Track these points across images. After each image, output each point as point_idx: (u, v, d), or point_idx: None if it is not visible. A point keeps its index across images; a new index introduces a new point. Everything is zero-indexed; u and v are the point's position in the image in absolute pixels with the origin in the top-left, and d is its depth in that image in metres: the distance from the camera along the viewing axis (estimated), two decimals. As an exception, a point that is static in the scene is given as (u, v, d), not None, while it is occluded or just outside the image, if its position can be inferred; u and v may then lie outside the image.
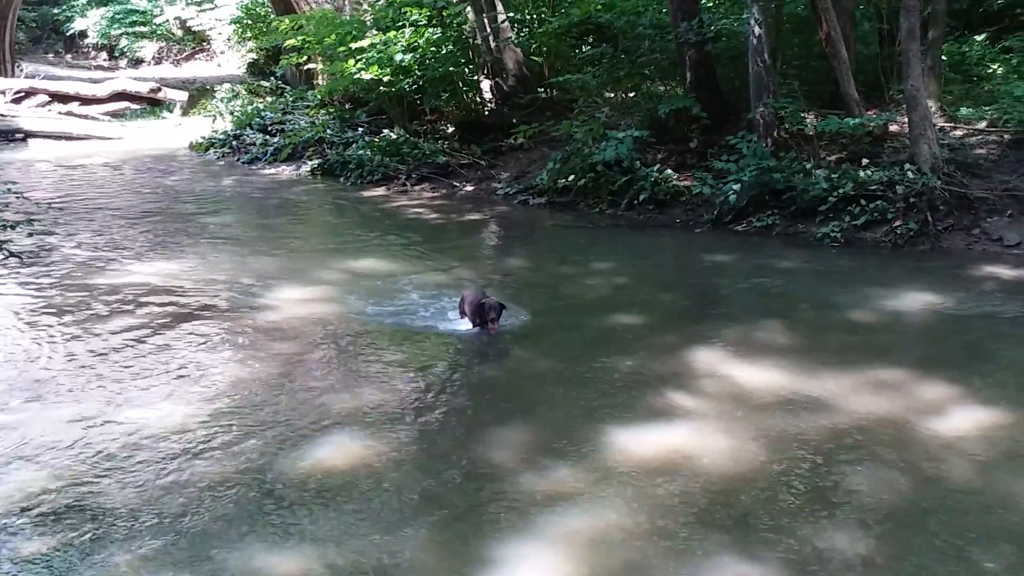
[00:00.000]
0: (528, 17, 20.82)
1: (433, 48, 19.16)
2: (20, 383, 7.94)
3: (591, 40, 20.16)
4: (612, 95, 18.36)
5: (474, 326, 8.74)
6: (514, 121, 18.26)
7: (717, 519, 5.62)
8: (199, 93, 30.95)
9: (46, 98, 29.58)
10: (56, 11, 46.97)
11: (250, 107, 25.23)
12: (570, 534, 5.48)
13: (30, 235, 9.81)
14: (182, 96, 31.27)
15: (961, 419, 6.92)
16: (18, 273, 11.22)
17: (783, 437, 6.64)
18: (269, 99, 26.56)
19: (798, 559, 5.17)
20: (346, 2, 26.53)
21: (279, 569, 5.17)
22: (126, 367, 8.31)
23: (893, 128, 14.07)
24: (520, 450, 6.58)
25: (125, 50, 44.21)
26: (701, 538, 5.42)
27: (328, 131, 21.15)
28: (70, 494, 6.00)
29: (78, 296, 10.52)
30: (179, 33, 42.41)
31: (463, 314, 9.02)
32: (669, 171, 14.83)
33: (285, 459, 6.43)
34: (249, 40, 31.62)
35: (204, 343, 8.93)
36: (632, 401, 7.41)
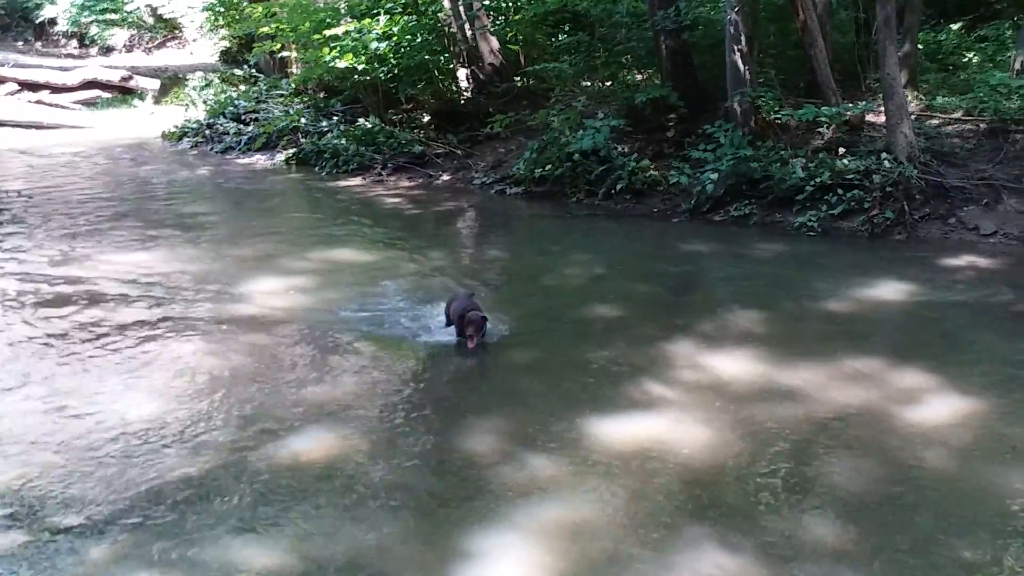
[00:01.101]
0: (504, 5, 20.71)
1: (408, 36, 19.04)
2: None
3: (567, 28, 20.13)
4: (589, 84, 18.32)
5: (459, 335, 8.24)
6: (490, 110, 18.19)
7: (695, 509, 5.61)
8: (171, 82, 30.65)
9: (16, 87, 29.23)
10: (26, -2, 46.48)
11: (223, 96, 25.01)
12: (549, 525, 5.46)
13: (-1, 224, 9.70)
14: (154, 85, 30.97)
15: (937, 408, 6.94)
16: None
17: (761, 427, 6.64)
18: (242, 87, 26.32)
19: (775, 548, 5.17)
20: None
21: (256, 563, 5.12)
22: (99, 359, 8.21)
23: (870, 117, 14.09)
24: (498, 441, 6.54)
25: (96, 38, 43.71)
26: (679, 528, 5.41)
27: (303, 120, 20.99)
28: (42, 488, 5.92)
29: (49, 287, 10.39)
30: (150, 21, 41.94)
31: (448, 322, 8.61)
32: (646, 160, 14.79)
33: (261, 452, 6.37)
34: (222, 28, 31.27)
35: (178, 335, 8.83)
36: (610, 392, 7.39)
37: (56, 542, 5.33)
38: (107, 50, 42.62)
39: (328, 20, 20.31)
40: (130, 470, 6.14)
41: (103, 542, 5.33)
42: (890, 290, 10.03)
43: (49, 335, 8.81)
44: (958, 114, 14.03)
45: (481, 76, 19.22)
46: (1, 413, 7.04)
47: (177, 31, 41.64)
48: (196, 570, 5.07)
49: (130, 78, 30.97)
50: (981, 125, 13.55)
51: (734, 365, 7.85)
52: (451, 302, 8.65)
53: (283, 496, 5.82)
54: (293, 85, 23.70)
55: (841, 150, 13.19)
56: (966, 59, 16.09)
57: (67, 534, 5.41)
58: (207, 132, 22.85)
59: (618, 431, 6.62)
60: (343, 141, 18.96)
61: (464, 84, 19.53)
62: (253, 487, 5.93)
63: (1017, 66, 14.18)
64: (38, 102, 28.59)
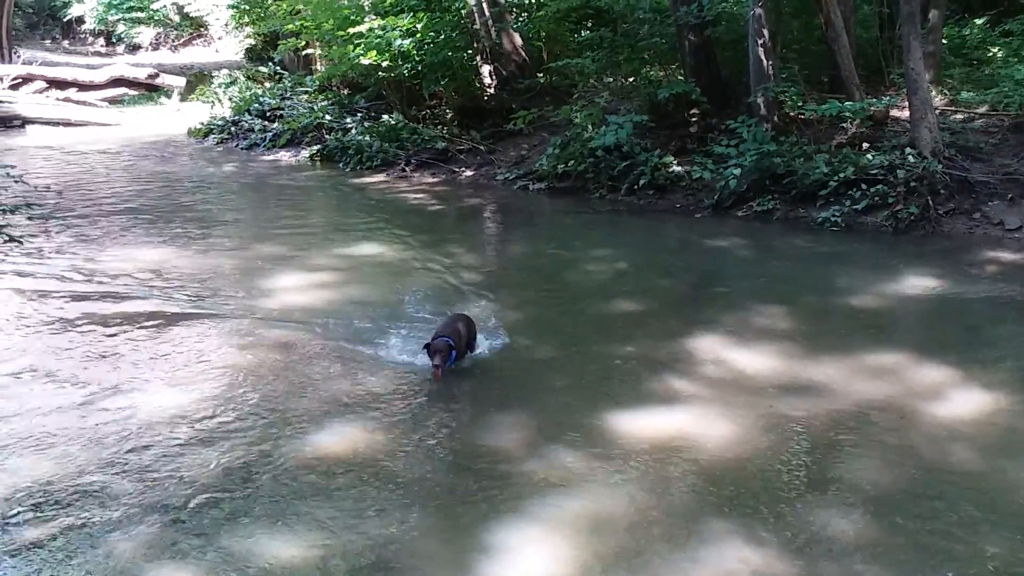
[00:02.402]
0: (527, 1, 20.75)
1: (432, 33, 19.11)
2: (20, 369, 7.94)
3: (590, 24, 20.13)
4: (611, 80, 18.33)
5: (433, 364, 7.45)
6: (513, 106, 18.21)
7: (718, 503, 5.63)
8: (197, 79, 30.82)
9: (44, 84, 29.50)
10: (53, -3, 46.81)
11: (248, 93, 25.15)
12: (571, 519, 5.49)
13: (29, 219, 9.81)
14: (180, 82, 31.18)
15: (961, 403, 6.93)
16: (17, 258, 11.21)
17: (784, 421, 6.65)
18: (267, 84, 26.48)
19: (799, 543, 5.18)
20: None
21: (280, 555, 5.17)
22: (126, 354, 8.30)
23: (894, 112, 14.04)
24: (520, 436, 6.57)
25: (122, 36, 44.08)
26: (703, 522, 5.42)
27: (327, 117, 21.10)
28: (71, 481, 5.99)
29: (77, 282, 10.51)
30: (176, 19, 42.24)
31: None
32: (669, 156, 14.80)
33: (285, 446, 6.43)
34: (247, 25, 31.46)
35: (204, 330, 8.92)
36: (633, 387, 7.42)
37: (83, 535, 5.40)
38: (133, 48, 42.96)
39: (352, 17, 20.39)
40: (155, 463, 6.22)
41: (130, 535, 5.39)
42: (914, 285, 10.01)
43: (75, 329, 8.92)
44: (983, 109, 13.96)
45: (504, 72, 19.25)
46: (29, 407, 7.14)
47: (203, 29, 41.92)
48: (222, 562, 5.14)
49: (156, 75, 31.20)
50: (1006, 120, 13.48)
51: (757, 360, 7.86)
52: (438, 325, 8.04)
53: (307, 489, 5.88)
54: (318, 82, 23.82)
55: (865, 145, 13.16)
56: (991, 54, 15.96)
57: (94, 527, 5.48)
58: (232, 129, 23.02)
59: (640, 426, 6.64)
60: (367, 138, 19.06)
61: (487, 80, 19.56)
62: (277, 481, 5.98)
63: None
64: (66, 99, 28.84)
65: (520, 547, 5.21)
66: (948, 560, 5.01)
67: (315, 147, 20.06)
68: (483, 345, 8.16)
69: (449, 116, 19.74)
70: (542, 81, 18.91)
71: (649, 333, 8.76)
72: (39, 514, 5.62)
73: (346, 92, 22.60)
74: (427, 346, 7.41)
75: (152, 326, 8.98)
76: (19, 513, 5.63)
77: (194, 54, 40.49)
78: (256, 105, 23.56)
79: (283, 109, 22.89)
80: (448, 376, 7.55)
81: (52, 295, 10.04)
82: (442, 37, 19.22)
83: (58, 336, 8.75)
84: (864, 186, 12.41)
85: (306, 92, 23.94)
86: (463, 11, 19.35)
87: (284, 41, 24.01)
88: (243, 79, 27.21)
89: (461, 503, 5.80)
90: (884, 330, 8.74)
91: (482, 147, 18.13)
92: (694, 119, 15.49)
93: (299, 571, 5.04)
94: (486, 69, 19.51)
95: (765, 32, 13.96)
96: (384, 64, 19.29)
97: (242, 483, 5.96)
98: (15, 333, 8.83)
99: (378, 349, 8.22)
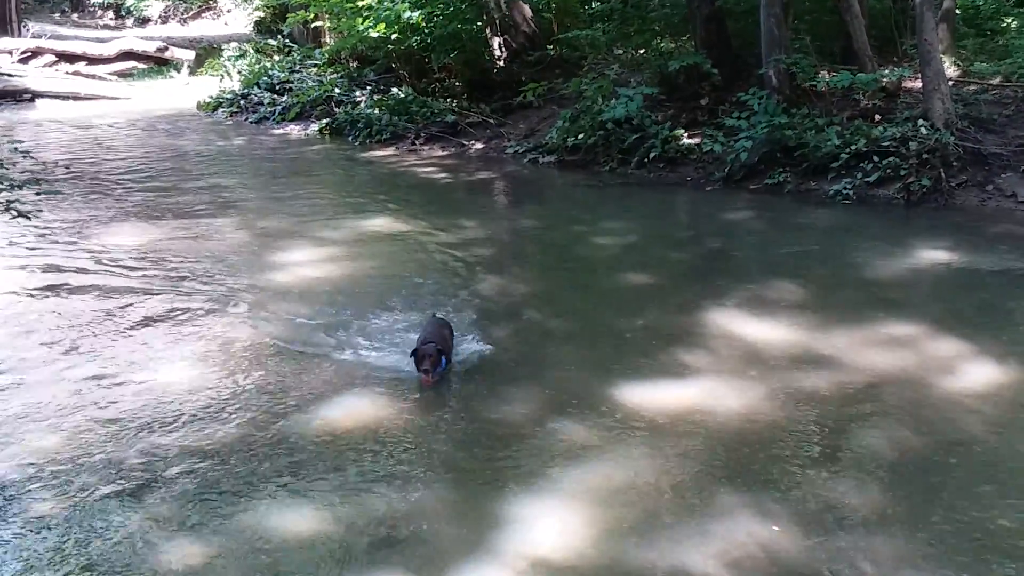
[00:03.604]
0: (537, -27, 20.62)
1: (441, 5, 19.00)
2: (31, 344, 7.97)
3: (600, -4, 20.00)
4: (622, 52, 18.24)
5: (417, 370, 7.02)
6: (523, 79, 18.13)
7: (730, 476, 5.63)
8: (206, 52, 30.71)
9: (53, 58, 29.44)
10: (62, -30, 46.65)
11: (257, 66, 25.05)
12: (583, 492, 5.50)
13: (38, 195, 9.82)
14: (189, 55, 31.08)
15: (973, 376, 6.91)
16: (26, 233, 11.24)
17: (795, 394, 6.64)
18: (276, 58, 26.36)
19: (810, 516, 5.18)
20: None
21: (292, 528, 5.20)
22: (137, 328, 8.33)
23: (906, 84, 13.94)
24: (531, 409, 6.59)
25: (131, 9, 43.89)
26: (714, 495, 5.43)
27: (336, 90, 21.03)
28: (82, 455, 6.03)
29: (87, 257, 10.53)
30: (185, -9, 42.11)
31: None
32: (680, 129, 14.74)
33: (294, 420, 6.45)
34: (256, -2, 31.38)
35: (214, 304, 8.93)
36: (644, 360, 7.41)
37: (95, 509, 5.43)
38: (143, 21, 42.80)
39: (361, -11, 20.28)
40: (167, 437, 6.25)
41: (142, 508, 5.43)
42: (926, 258, 9.97)
43: (84, 305, 8.94)
44: (996, 80, 13.86)
45: (514, 44, 19.15)
46: (41, 381, 7.18)
47: (212, 2, 41.76)
48: (234, 535, 5.17)
49: (165, 49, 31.10)
50: (1019, 91, 13.39)
51: (768, 333, 7.85)
52: (421, 330, 7.52)
53: (317, 464, 5.90)
54: (326, 55, 23.71)
55: (877, 117, 13.08)
56: (1004, 24, 15.85)
57: (107, 500, 5.52)
58: (242, 102, 22.96)
59: (652, 399, 6.64)
60: (376, 111, 19.00)
61: (497, 53, 19.46)
62: (288, 455, 6.01)
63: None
64: (75, 73, 28.78)
65: (531, 519, 5.23)
66: (960, 533, 5.01)
67: (324, 120, 20.01)
68: (463, 354, 7.61)
69: (459, 89, 19.66)
70: (552, 53, 18.82)
71: (660, 306, 8.76)
72: (51, 488, 5.65)
73: (355, 65, 22.51)
74: (414, 352, 6.97)
75: (161, 302, 8.99)
76: (31, 486, 5.66)
77: (203, 27, 40.32)
78: (265, 78, 23.49)
79: (292, 82, 22.82)
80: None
81: (61, 270, 10.07)
82: (451, 9, 19.12)
83: (67, 312, 8.76)
84: (876, 158, 12.33)
85: (315, 65, 23.86)
86: (472, -18, 19.24)
87: (293, 14, 23.91)
88: (252, 52, 27.09)
89: (472, 476, 5.82)
90: (896, 303, 8.71)
91: (492, 120, 18.07)
92: (705, 91, 15.41)
93: (309, 545, 5.06)
94: (496, 41, 19.41)
95: (777, 3, 13.85)
96: (393, 36, 19.21)
97: (252, 458, 5.98)
98: (24, 309, 8.85)
99: (388, 324, 8.22)
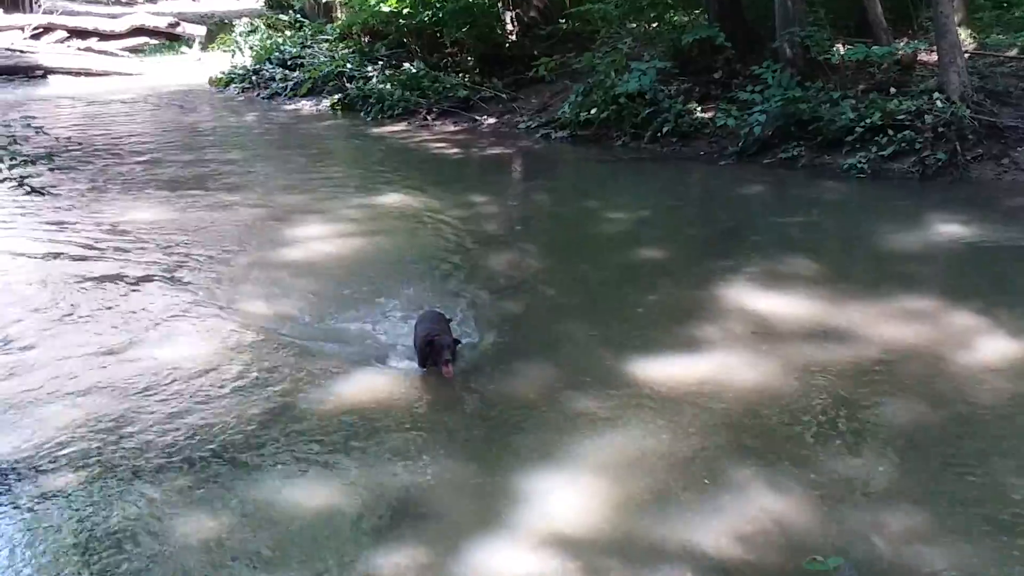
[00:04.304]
0: (549, -55, 20.47)
1: (452, -21, 18.92)
2: (45, 321, 7.99)
3: (613, -31, 19.84)
4: (634, 25, 18.08)
5: (421, 366, 6.72)
6: (535, 53, 18.04)
7: (742, 450, 5.62)
8: (217, 27, 30.70)
9: (65, 34, 29.46)
10: (73, -54, 46.54)
11: (269, 41, 24.99)
12: (596, 467, 5.50)
13: (51, 171, 9.84)
14: (200, 31, 31.06)
15: (988, 350, 6.86)
16: (39, 209, 11.26)
17: (809, 368, 6.62)
18: (288, 33, 26.29)
19: (823, 490, 5.17)
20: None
21: (306, 503, 5.21)
22: (150, 304, 8.35)
23: (922, 56, 13.82)
24: (544, 384, 6.58)
25: (143, -16, 43.85)
26: (726, 470, 5.42)
27: (348, 65, 20.95)
28: (98, 430, 6.05)
29: (99, 233, 10.56)
30: (197, -34, 41.99)
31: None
32: (693, 103, 14.67)
33: (309, 396, 6.46)
34: (267, -27, 31.27)
35: (228, 279, 8.95)
36: (657, 334, 7.40)
37: (110, 484, 5.45)
38: (154, -4, 42.67)
39: (372, -37, 20.20)
40: (183, 412, 6.26)
41: (156, 484, 5.44)
42: (941, 232, 9.92)
43: (98, 281, 8.96)
44: (1012, 52, 13.72)
45: (526, 19, 19.07)
46: (56, 357, 7.20)
47: (222, -23, 41.58)
48: (246, 510, 5.18)
49: (177, 24, 31.08)
50: (1036, 64, 13.26)
51: (782, 307, 7.82)
52: (418, 324, 7.09)
53: (330, 440, 5.90)
54: (338, 30, 23.65)
55: (892, 90, 12.96)
56: (1022, -4, 15.69)
57: (121, 476, 5.53)
58: (253, 78, 22.94)
59: (665, 373, 6.62)
60: (388, 86, 18.94)
61: (509, 27, 19.38)
62: (301, 430, 6.01)
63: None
64: (87, 49, 28.80)
65: (544, 494, 5.23)
66: (973, 507, 4.99)
67: (336, 96, 19.97)
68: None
69: (471, 64, 19.58)
70: (564, 27, 18.71)
71: (673, 281, 8.73)
72: (67, 462, 5.67)
73: (367, 40, 22.42)
74: (429, 343, 6.58)
75: (172, 277, 9.02)
76: (47, 461, 5.68)
77: (214, 2, 40.19)
78: (277, 54, 23.45)
79: (304, 58, 22.76)
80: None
81: (73, 246, 10.10)
82: (463, -17, 19.03)
83: (79, 288, 8.78)
84: (891, 132, 12.24)
85: (327, 40, 23.79)
86: (484, -44, 19.13)
87: (305, -11, 23.85)
88: (263, 27, 27.03)
89: (486, 450, 5.83)
90: (910, 277, 8.66)
91: (504, 95, 18.01)
92: (718, 65, 15.31)
93: (323, 519, 5.07)
94: (508, 15, 19.33)
95: (791, -25, 13.74)
96: (405, 11, 19.15)
97: (266, 433, 5.99)
98: (39, 285, 8.86)
99: (401, 301, 8.21)
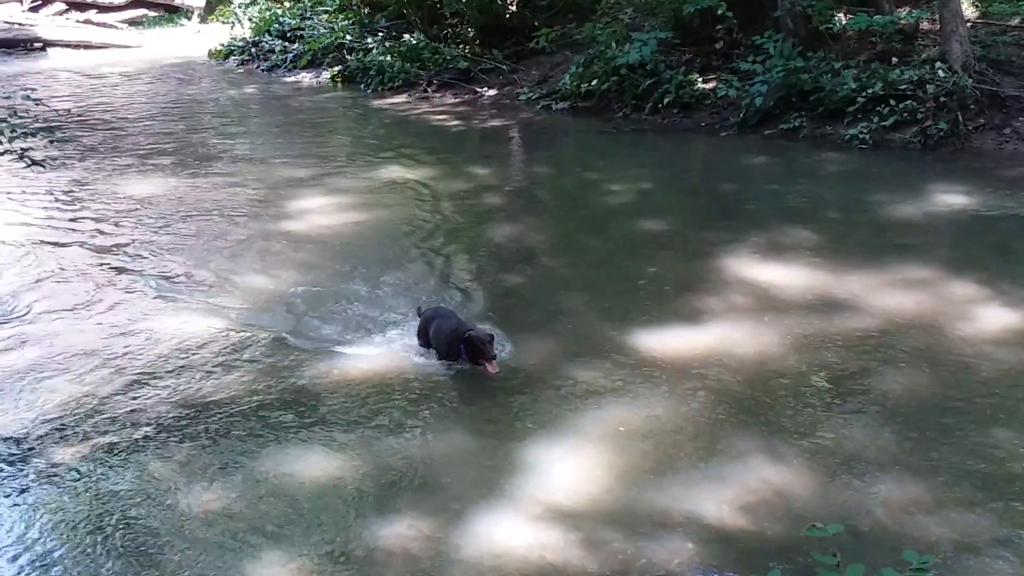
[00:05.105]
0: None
1: (453, -51, 18.78)
2: (48, 294, 8.01)
3: (614, -62, 19.70)
4: (636, -5, 17.97)
5: (442, 359, 6.48)
6: (536, 24, 17.93)
7: (743, 421, 5.65)
8: (217, -1, 30.53)
9: (64, 6, 29.28)
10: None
11: (268, 13, 24.84)
12: (596, 437, 5.53)
13: (51, 142, 9.80)
14: (200, 2, 30.85)
15: (988, 320, 6.89)
16: (39, 183, 11.26)
17: (810, 339, 6.64)
18: (287, 4, 26.10)
19: (823, 460, 5.20)
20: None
21: (308, 475, 5.25)
22: (152, 278, 8.36)
23: (924, 25, 13.75)
24: (546, 355, 6.60)
25: (141, -44, 43.58)
26: (727, 440, 5.45)
27: (348, 37, 20.84)
28: (101, 404, 6.09)
29: (100, 206, 10.56)
30: (195, -63, 41.71)
31: (422, 338, 6.71)
32: (694, 74, 14.60)
33: (310, 371, 6.48)
34: (266, -56, 31.07)
35: (229, 253, 8.96)
36: (658, 305, 7.42)
37: (115, 457, 5.50)
38: (152, -32, 42.39)
39: (372, -67, 20.05)
40: (183, 386, 6.30)
41: (160, 457, 5.49)
42: (942, 202, 9.91)
43: (97, 255, 8.98)
44: (1015, 21, 13.64)
45: (527, -11, 18.93)
46: (59, 331, 7.23)
47: (220, -52, 41.29)
48: (251, 481, 5.23)
49: (176, -5, 30.87)
50: (1039, 33, 13.19)
51: (783, 278, 7.83)
52: (429, 320, 6.70)
53: (333, 413, 5.94)
54: (338, 1, 23.49)
55: (894, 60, 12.91)
56: (1025, -37, 15.57)
57: (125, 449, 5.58)
58: (253, 50, 22.84)
59: (667, 344, 6.65)
60: (388, 58, 18.85)
61: (509, -2, 19.27)
62: (303, 404, 6.05)
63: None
64: (86, 21, 28.64)
65: (546, 465, 5.26)
66: (973, 476, 5.02)
67: (336, 68, 19.89)
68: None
69: (471, 35, 19.46)
70: (564, -3, 18.60)
71: (674, 252, 8.74)
72: (71, 436, 5.72)
73: (367, 11, 22.28)
74: (467, 339, 6.24)
75: (176, 249, 9.03)
76: (52, 435, 5.72)
77: (213, -26, 40.01)
78: (276, 25, 23.32)
79: (303, 29, 22.63)
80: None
81: (73, 220, 10.12)
82: (463, -47, 18.90)
83: (79, 262, 8.82)
84: (893, 102, 12.20)
85: (326, 12, 23.62)
86: (484, -74, 18.96)
87: (304, -40, 23.67)
88: (263, -1, 26.89)
89: (487, 423, 5.86)
90: (912, 247, 8.66)
91: (504, 66, 17.92)
92: (720, 35, 15.23)
93: (326, 491, 5.11)
94: (508, -14, 19.20)
95: (793, -57, 13.65)
96: (404, -18, 19.01)
97: (267, 407, 6.03)
98: (35, 259, 8.88)
99: (402, 275, 8.22)
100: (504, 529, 4.71)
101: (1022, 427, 5.48)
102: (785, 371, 6.22)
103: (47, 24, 27.50)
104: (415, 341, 6.75)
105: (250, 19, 25.03)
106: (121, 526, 4.84)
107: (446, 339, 6.44)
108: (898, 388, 5.97)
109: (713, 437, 5.49)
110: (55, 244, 9.30)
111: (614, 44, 15.23)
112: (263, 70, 21.62)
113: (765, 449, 5.33)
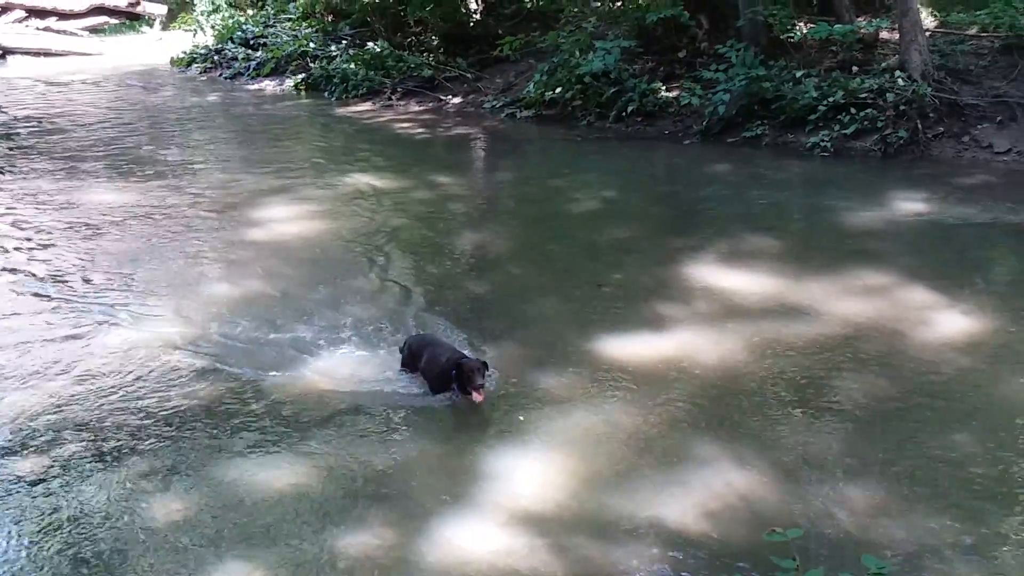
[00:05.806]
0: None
1: (416, -44, 18.78)
2: (7, 301, 7.91)
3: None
4: (599, 4, 18.06)
5: (435, 392, 6.16)
6: (500, 32, 18.00)
7: (707, 426, 5.68)
8: (179, 6, 30.36)
9: (23, 13, 29.01)
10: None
11: (231, 20, 24.76)
12: (559, 444, 5.54)
13: (11, 150, 9.70)
14: (161, 10, 30.71)
15: (948, 325, 6.98)
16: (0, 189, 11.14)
17: (772, 345, 6.69)
18: (250, 12, 26.05)
19: (786, 464, 5.24)
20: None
21: (273, 484, 5.21)
22: (117, 285, 8.28)
23: (884, 35, 13.91)
24: (510, 362, 6.58)
25: (102, -37, 43.23)
26: (691, 445, 5.48)
27: (311, 44, 20.82)
28: (65, 413, 6.02)
29: (64, 213, 10.46)
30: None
31: (409, 368, 6.46)
32: (658, 82, 14.68)
33: (274, 378, 6.44)
34: (228, -49, 30.94)
35: (194, 261, 8.90)
36: (623, 312, 7.44)
37: (77, 468, 5.43)
38: (113, -25, 42.08)
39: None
40: (149, 394, 6.24)
41: (124, 466, 5.43)
42: (902, 209, 10.02)
43: (58, 264, 8.87)
44: (973, 30, 13.83)
45: (490, -3, 18.98)
46: (21, 340, 7.13)
47: (183, -45, 41.08)
48: (215, 490, 5.19)
49: (137, 3, 30.69)
50: (995, 41, 13.37)
51: (746, 285, 7.88)
52: (418, 348, 6.43)
53: (298, 422, 5.90)
54: (301, 9, 23.44)
55: (855, 69, 13.06)
56: (982, -27, 15.79)
57: (87, 460, 5.51)
58: (216, 58, 22.75)
59: (630, 351, 6.67)
60: (352, 66, 18.83)
61: (473, 6, 19.30)
62: (268, 414, 6.01)
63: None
64: (46, 29, 28.40)
65: (511, 472, 5.27)
66: (934, 479, 5.08)
67: (299, 76, 19.84)
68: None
69: (435, 43, 19.49)
70: (528, 6, 18.67)
71: (638, 259, 8.78)
72: (33, 447, 5.64)
73: (330, 19, 22.28)
74: (459, 366, 5.94)
75: (141, 257, 8.95)
76: (13, 446, 5.65)
77: (175, -19, 39.77)
78: (239, 33, 23.25)
79: (267, 37, 22.58)
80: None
81: (37, 226, 9.99)
82: (427, -39, 18.91)
83: (40, 271, 8.71)
84: (853, 110, 12.34)
85: (289, 19, 23.58)
86: (447, -66, 19.00)
87: (266, -33, 23.62)
88: (225, 6, 26.75)
89: (453, 430, 5.86)
90: (872, 254, 8.75)
91: (469, 75, 17.94)
92: (683, 44, 15.33)
93: (290, 500, 5.08)
94: (472, -6, 19.24)
95: (755, -47, 13.77)
96: (368, -10, 18.99)
97: (232, 417, 5.98)
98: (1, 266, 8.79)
99: (367, 283, 8.20)
100: (470, 536, 4.71)
101: (980, 431, 5.55)
102: (748, 377, 6.26)
103: (6, 31, 27.25)
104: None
105: (213, 26, 24.94)
106: (81, 537, 4.78)
107: (437, 371, 6.13)
108: (858, 393, 6.03)
109: (677, 443, 5.52)
110: (12, 252, 9.17)
111: (578, 52, 15.31)
112: (226, 78, 21.53)
113: (728, 454, 5.36)
